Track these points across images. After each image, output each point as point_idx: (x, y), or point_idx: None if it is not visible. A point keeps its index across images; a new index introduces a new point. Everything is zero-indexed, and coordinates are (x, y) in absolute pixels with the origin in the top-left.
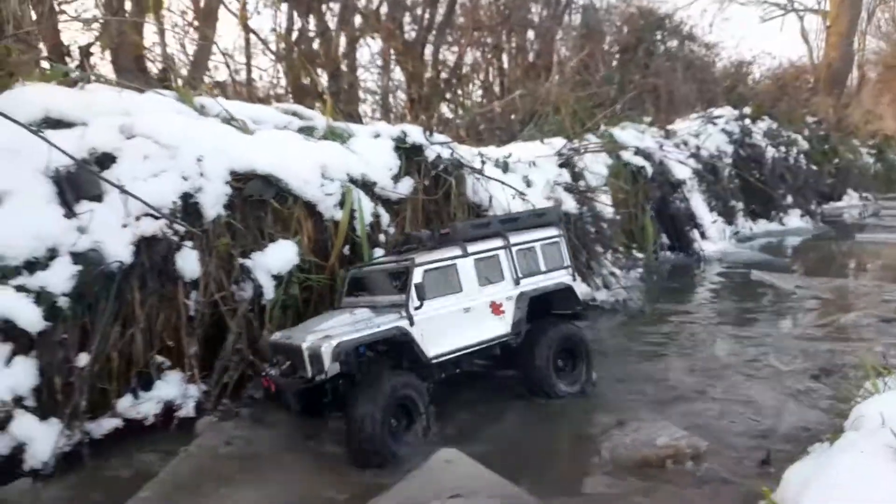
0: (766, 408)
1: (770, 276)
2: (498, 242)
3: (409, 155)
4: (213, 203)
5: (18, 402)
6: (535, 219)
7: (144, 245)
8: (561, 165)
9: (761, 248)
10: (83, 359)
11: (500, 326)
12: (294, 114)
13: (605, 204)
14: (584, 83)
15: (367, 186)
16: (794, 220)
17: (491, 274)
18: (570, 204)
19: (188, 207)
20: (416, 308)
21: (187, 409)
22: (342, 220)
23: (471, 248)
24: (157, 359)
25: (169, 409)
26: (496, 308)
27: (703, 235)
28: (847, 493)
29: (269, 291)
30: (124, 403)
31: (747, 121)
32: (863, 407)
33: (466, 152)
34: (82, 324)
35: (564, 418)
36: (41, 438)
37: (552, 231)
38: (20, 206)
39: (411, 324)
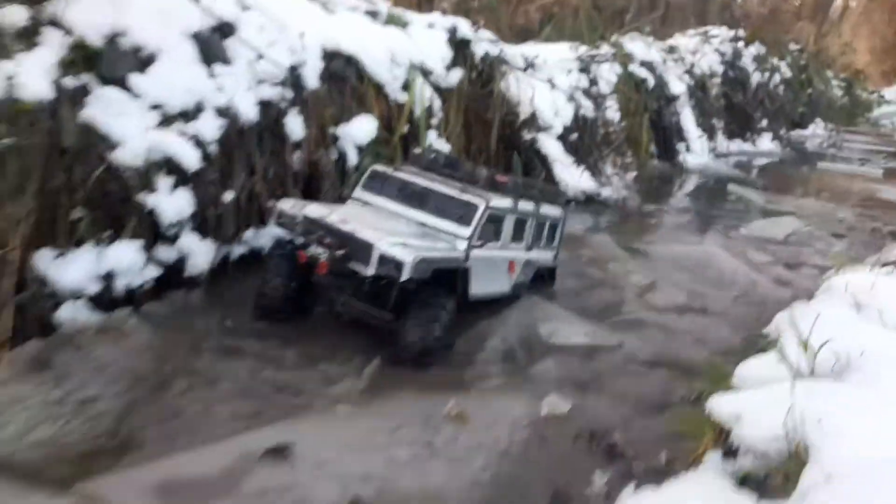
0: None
1: (743, 190)
2: (530, 207)
3: (459, 47)
4: (312, 76)
5: (183, 224)
6: (554, 196)
7: (262, 107)
8: (580, 70)
9: (735, 165)
10: (228, 196)
11: (506, 284)
12: None
13: (614, 110)
14: None
15: (424, 73)
16: (766, 142)
17: (518, 234)
18: (587, 107)
19: (294, 78)
20: (476, 247)
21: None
22: (407, 102)
23: (519, 203)
24: (269, 203)
25: (278, 242)
26: (511, 266)
27: (687, 148)
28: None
29: (353, 158)
30: (249, 235)
31: (740, 44)
32: (831, 281)
33: (508, 51)
34: (223, 168)
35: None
36: (200, 253)
37: (558, 212)
38: (172, 63)
39: (467, 259)
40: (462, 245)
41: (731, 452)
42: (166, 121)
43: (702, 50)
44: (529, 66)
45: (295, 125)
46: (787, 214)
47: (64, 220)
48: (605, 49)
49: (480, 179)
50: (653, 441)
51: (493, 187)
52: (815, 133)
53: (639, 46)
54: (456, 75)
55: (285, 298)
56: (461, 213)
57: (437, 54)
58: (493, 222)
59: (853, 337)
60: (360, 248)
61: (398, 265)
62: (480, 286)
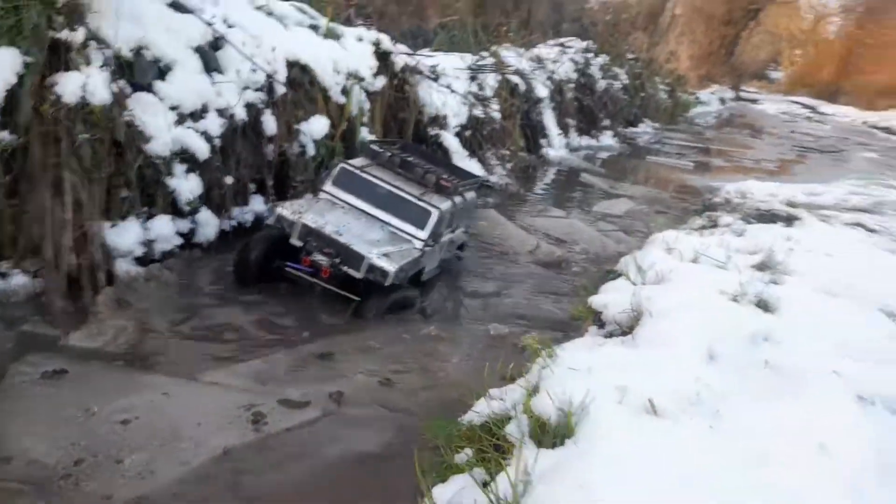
0: (597, 240)
1: (593, 178)
2: (461, 200)
3: (382, 58)
4: (281, 82)
5: (196, 201)
6: (474, 183)
7: (247, 109)
8: (470, 78)
9: (585, 158)
10: (229, 180)
11: (437, 261)
12: (303, 11)
13: (496, 111)
14: (480, 4)
15: (358, 80)
16: (607, 138)
17: (450, 223)
18: (477, 110)
19: (269, 85)
20: (429, 246)
21: (270, 220)
22: (347, 104)
23: (456, 201)
24: (251, 186)
25: (258, 218)
26: (441, 248)
27: (549, 143)
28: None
29: (311, 149)
30: (236, 212)
31: (590, 55)
32: (653, 237)
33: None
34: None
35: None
36: (209, 225)
37: (474, 196)
38: (184, 72)
39: (422, 256)
40: (419, 245)
41: (601, 325)
42: (182, 119)
43: (560, 59)
44: (435, 75)
45: (269, 123)
46: (625, 196)
47: (115, 198)
48: (488, 59)
49: (430, 184)
50: (558, 325)
51: (439, 190)
52: (645, 131)
53: (512, 56)
54: (380, 81)
55: (260, 267)
56: (418, 217)
57: (365, 63)
58: (441, 222)
59: (665, 264)
60: (353, 257)
61: (384, 273)
62: (427, 268)
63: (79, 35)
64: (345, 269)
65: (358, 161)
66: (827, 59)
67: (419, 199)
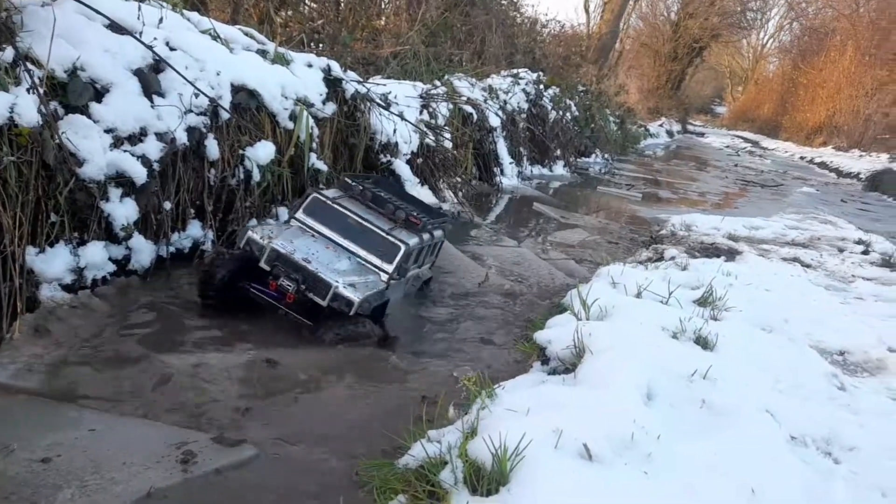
0: (545, 271)
1: (545, 208)
2: (428, 237)
3: (332, 85)
4: (226, 107)
5: (131, 227)
6: (443, 221)
7: (188, 132)
8: (422, 106)
9: (537, 187)
10: (167, 205)
11: (402, 294)
12: (251, 36)
13: (448, 140)
14: (433, 35)
15: (307, 105)
16: (559, 168)
17: (417, 259)
18: (429, 138)
19: (213, 109)
20: (395, 279)
21: (206, 245)
22: (295, 129)
23: (424, 237)
24: (190, 211)
25: (196, 244)
26: (406, 282)
27: (501, 172)
28: (595, 295)
29: (256, 175)
30: (175, 237)
31: (541, 86)
32: (600, 271)
33: (371, 88)
34: (162, 182)
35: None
36: (144, 251)
37: (441, 233)
38: (122, 94)
39: (387, 288)
40: (385, 277)
41: (546, 361)
42: (118, 143)
43: (513, 90)
44: (387, 103)
45: (212, 148)
46: (576, 227)
47: (43, 223)
48: (440, 88)
49: (399, 220)
50: (503, 362)
51: (408, 226)
52: (596, 161)
53: (465, 86)
54: (330, 108)
55: (225, 285)
56: (385, 251)
57: (315, 89)
58: (407, 257)
59: (609, 299)
60: (320, 285)
61: (349, 303)
62: (392, 301)
63: (7, 54)
64: (310, 295)
65: (331, 192)
66: (766, 97)
67: (388, 234)
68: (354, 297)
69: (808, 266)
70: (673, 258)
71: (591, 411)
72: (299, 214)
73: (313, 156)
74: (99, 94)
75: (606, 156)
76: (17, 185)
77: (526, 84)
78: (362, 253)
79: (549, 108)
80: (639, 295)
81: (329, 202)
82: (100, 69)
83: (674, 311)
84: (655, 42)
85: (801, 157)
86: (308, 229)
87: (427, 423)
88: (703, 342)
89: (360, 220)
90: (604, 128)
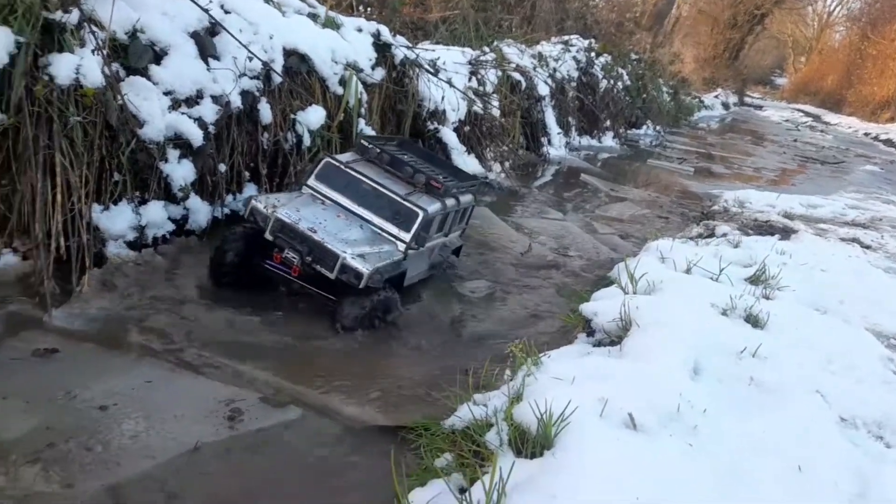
0: (590, 245)
1: (592, 179)
2: (454, 203)
3: (382, 49)
4: (278, 71)
5: (188, 188)
6: (471, 184)
7: (242, 96)
8: (471, 73)
9: (585, 158)
10: (223, 167)
11: (426, 266)
12: (302, 0)
13: (495, 108)
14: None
15: (356, 70)
16: (608, 140)
17: (441, 227)
18: (477, 106)
19: (265, 72)
20: (413, 249)
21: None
22: (345, 95)
23: (447, 203)
24: (245, 174)
25: None
26: (430, 251)
27: (549, 142)
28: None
29: (307, 140)
30: (229, 200)
31: (593, 54)
32: (648, 245)
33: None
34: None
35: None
36: (200, 212)
37: (471, 198)
38: (180, 57)
39: (405, 259)
40: (402, 247)
41: (591, 333)
42: (176, 105)
43: (563, 58)
44: (435, 69)
45: (265, 112)
46: (624, 200)
47: (107, 182)
48: (489, 55)
49: (419, 183)
50: (546, 333)
51: (429, 191)
52: (647, 133)
53: (514, 53)
54: (379, 73)
55: (238, 269)
56: (403, 218)
57: (364, 54)
58: (427, 224)
59: (657, 274)
60: (327, 256)
61: (358, 275)
62: (412, 273)
63: (73, 16)
64: (317, 267)
65: (346, 156)
66: (831, 68)
67: (404, 199)
68: (364, 268)
69: (867, 247)
70: (725, 235)
71: (637, 383)
72: (311, 181)
73: (361, 121)
74: (158, 56)
75: (658, 128)
76: (83, 144)
77: (577, 51)
78: (377, 221)
79: (600, 76)
80: (688, 271)
81: (342, 167)
82: (158, 31)
83: (724, 288)
84: (714, 8)
85: (866, 134)
86: (320, 197)
87: (472, 388)
88: (753, 320)
89: (375, 186)
90: (656, 98)
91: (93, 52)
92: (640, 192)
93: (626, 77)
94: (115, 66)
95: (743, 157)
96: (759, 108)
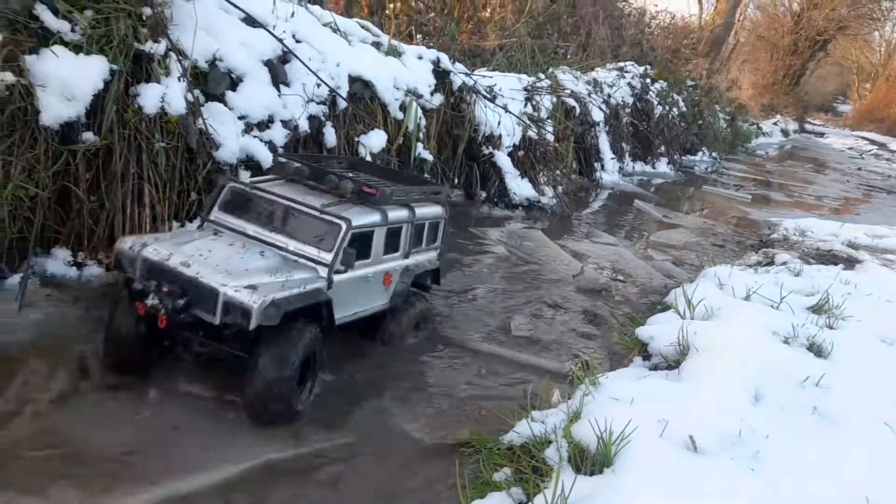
0: (643, 271)
1: (645, 205)
2: (405, 214)
3: (440, 76)
4: (343, 96)
5: None
6: (435, 195)
7: (310, 120)
8: (526, 99)
9: (638, 184)
10: None
11: (383, 296)
12: (366, 29)
13: (550, 133)
14: (539, 27)
15: (416, 96)
16: (662, 166)
17: (392, 245)
18: (531, 131)
19: (332, 98)
20: (340, 272)
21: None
22: (405, 119)
23: (390, 214)
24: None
25: None
26: (387, 278)
27: (602, 167)
28: (701, 296)
29: None
30: None
31: (648, 80)
32: (706, 271)
33: (477, 81)
34: None
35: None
36: None
37: (439, 211)
38: (254, 83)
39: (329, 286)
40: (324, 272)
41: (647, 356)
42: (249, 128)
43: (618, 84)
44: (492, 95)
45: (330, 135)
46: (679, 227)
47: (184, 201)
48: (544, 81)
49: (347, 192)
50: (599, 355)
51: (363, 199)
52: (702, 159)
53: (569, 79)
54: (437, 99)
55: (134, 346)
56: (322, 235)
57: (424, 81)
58: (360, 240)
59: (715, 300)
60: (205, 295)
61: (245, 312)
62: (349, 309)
63: (161, 47)
64: (197, 312)
65: (258, 178)
66: None
67: (322, 212)
68: (250, 301)
69: None
70: (785, 263)
71: (697, 406)
72: (214, 213)
73: (420, 145)
74: (234, 83)
75: (714, 154)
76: (166, 167)
77: (632, 78)
78: (294, 245)
79: (655, 102)
80: (747, 298)
81: (248, 190)
82: (235, 60)
83: (785, 316)
84: (773, 34)
85: None
86: (224, 230)
87: (531, 406)
88: (816, 349)
89: (288, 203)
90: (712, 125)
91: (178, 78)
92: (695, 219)
93: (681, 103)
94: (196, 92)
95: (803, 185)
96: (821, 135)
